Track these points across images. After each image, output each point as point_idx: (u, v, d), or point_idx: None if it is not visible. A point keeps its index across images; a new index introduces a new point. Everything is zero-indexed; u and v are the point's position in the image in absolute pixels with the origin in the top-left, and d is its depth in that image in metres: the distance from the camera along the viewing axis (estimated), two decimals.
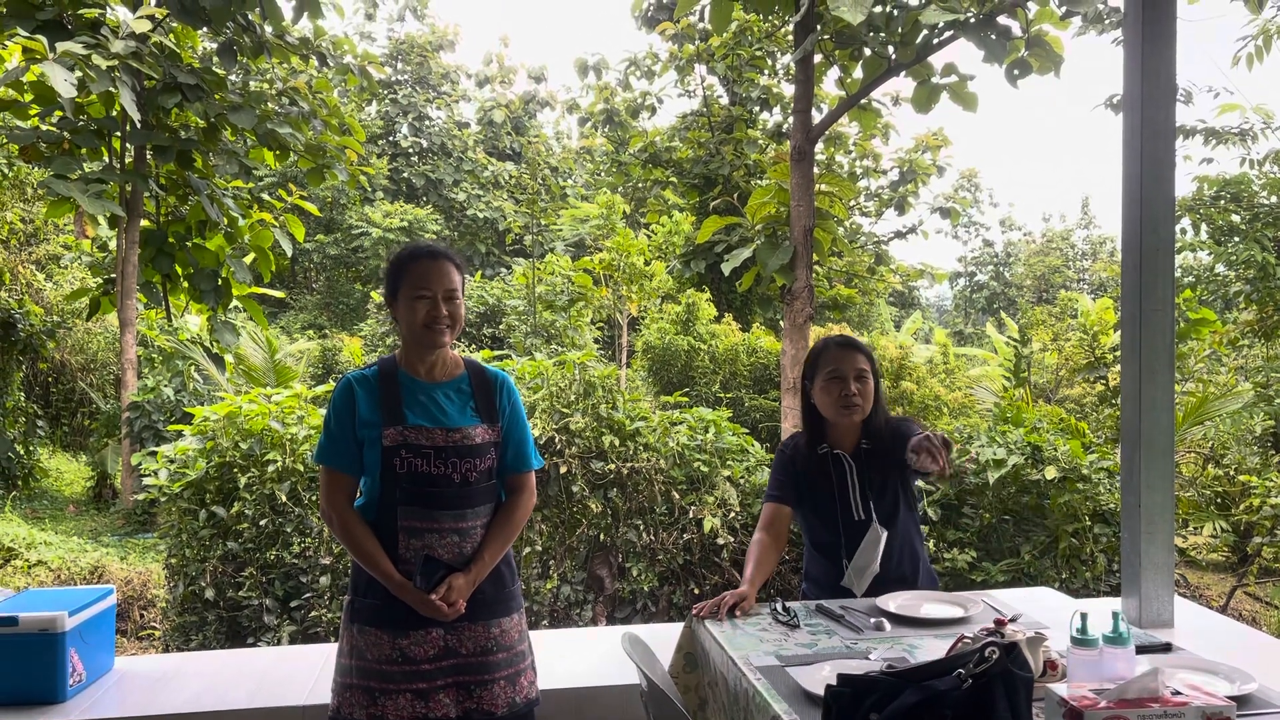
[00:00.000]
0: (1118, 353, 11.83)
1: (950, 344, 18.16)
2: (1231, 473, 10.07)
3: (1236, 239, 7.69)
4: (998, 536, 5.47)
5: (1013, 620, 2.45)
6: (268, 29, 11.30)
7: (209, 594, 5.22)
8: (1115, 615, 1.89)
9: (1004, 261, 37.45)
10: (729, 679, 2.26)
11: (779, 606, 2.60)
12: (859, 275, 17.32)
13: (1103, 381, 11.62)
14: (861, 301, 19.54)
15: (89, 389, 14.85)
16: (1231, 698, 1.84)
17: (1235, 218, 7.27)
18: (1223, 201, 7.34)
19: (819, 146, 16.75)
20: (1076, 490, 5.23)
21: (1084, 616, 1.90)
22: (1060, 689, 1.74)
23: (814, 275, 14.91)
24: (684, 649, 2.65)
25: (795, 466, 3.06)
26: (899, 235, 17.94)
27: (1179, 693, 1.73)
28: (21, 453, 12.08)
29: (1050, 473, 5.17)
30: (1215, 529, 9.78)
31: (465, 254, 28.07)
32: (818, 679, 2.06)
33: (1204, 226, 7.61)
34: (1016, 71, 7.50)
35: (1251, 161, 7.21)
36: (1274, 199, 7.17)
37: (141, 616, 7.12)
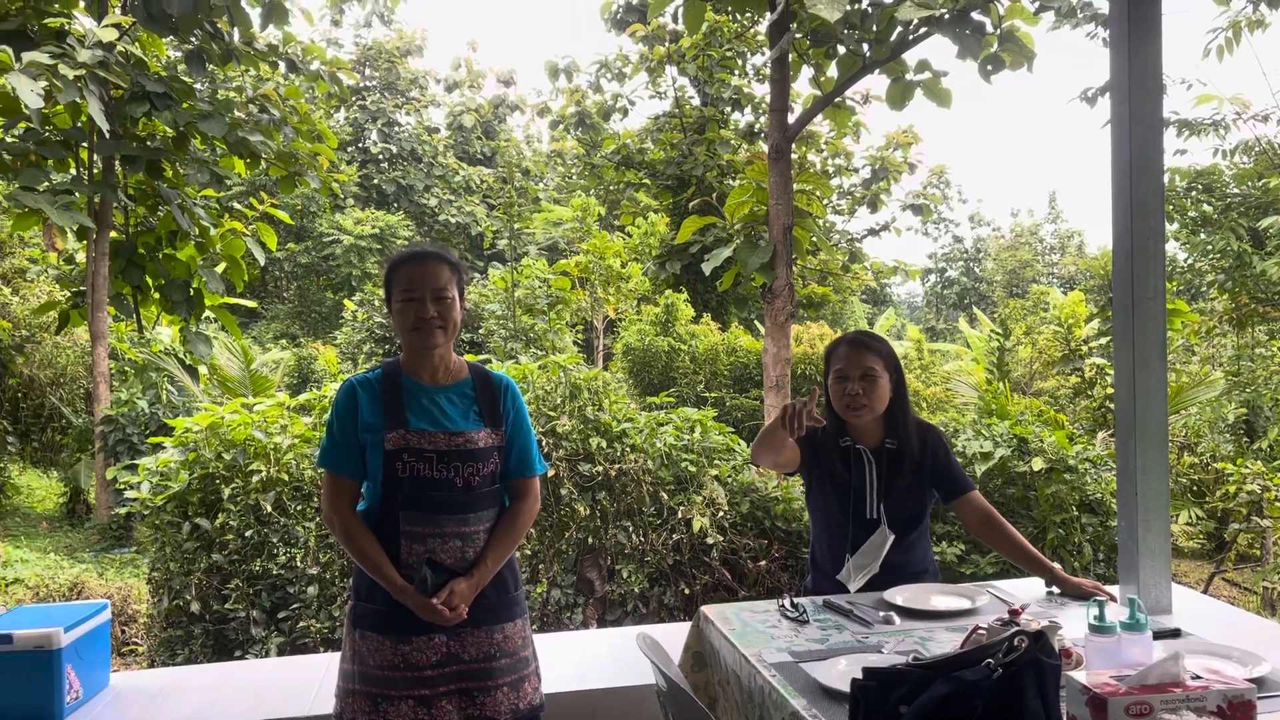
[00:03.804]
0: (1091, 344, 12.00)
1: (924, 340, 18.31)
2: (1206, 460, 10.21)
3: (1204, 231, 7.79)
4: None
5: (1022, 609, 2.46)
6: (236, 36, 11.20)
7: (194, 607, 5.13)
8: (1132, 602, 1.90)
9: (974, 257, 37.79)
10: (742, 677, 2.25)
11: (787, 603, 2.60)
12: (833, 273, 17.41)
13: (1078, 373, 11.75)
14: (836, 299, 19.65)
15: (59, 403, 14.63)
16: (1247, 680, 1.85)
17: (1207, 208, 7.37)
18: (1195, 193, 7.44)
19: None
20: (1063, 481, 5.27)
21: (1101, 604, 1.91)
22: (1081, 676, 1.74)
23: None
24: (692, 648, 2.64)
25: (816, 447, 3.03)
26: (872, 233, 18.07)
27: (1198, 677, 1.74)
28: None
29: (1037, 464, 5.21)
30: (1191, 516, 9.91)
31: None
32: (834, 673, 2.05)
33: (1175, 218, 7.71)
34: (990, 67, 7.57)
35: (1223, 152, 7.31)
36: (1244, 188, 7.28)
37: (124, 632, 7.02)
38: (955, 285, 37.56)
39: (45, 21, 10.11)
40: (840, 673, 2.04)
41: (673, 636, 2.78)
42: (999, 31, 7.43)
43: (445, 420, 2.51)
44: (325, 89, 12.95)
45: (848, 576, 2.82)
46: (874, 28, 7.08)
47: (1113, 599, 2.57)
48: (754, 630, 2.43)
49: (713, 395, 12.77)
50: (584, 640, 3.83)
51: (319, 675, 2.96)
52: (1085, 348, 11.67)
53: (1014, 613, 2.05)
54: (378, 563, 2.43)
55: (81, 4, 10.78)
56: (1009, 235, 37.79)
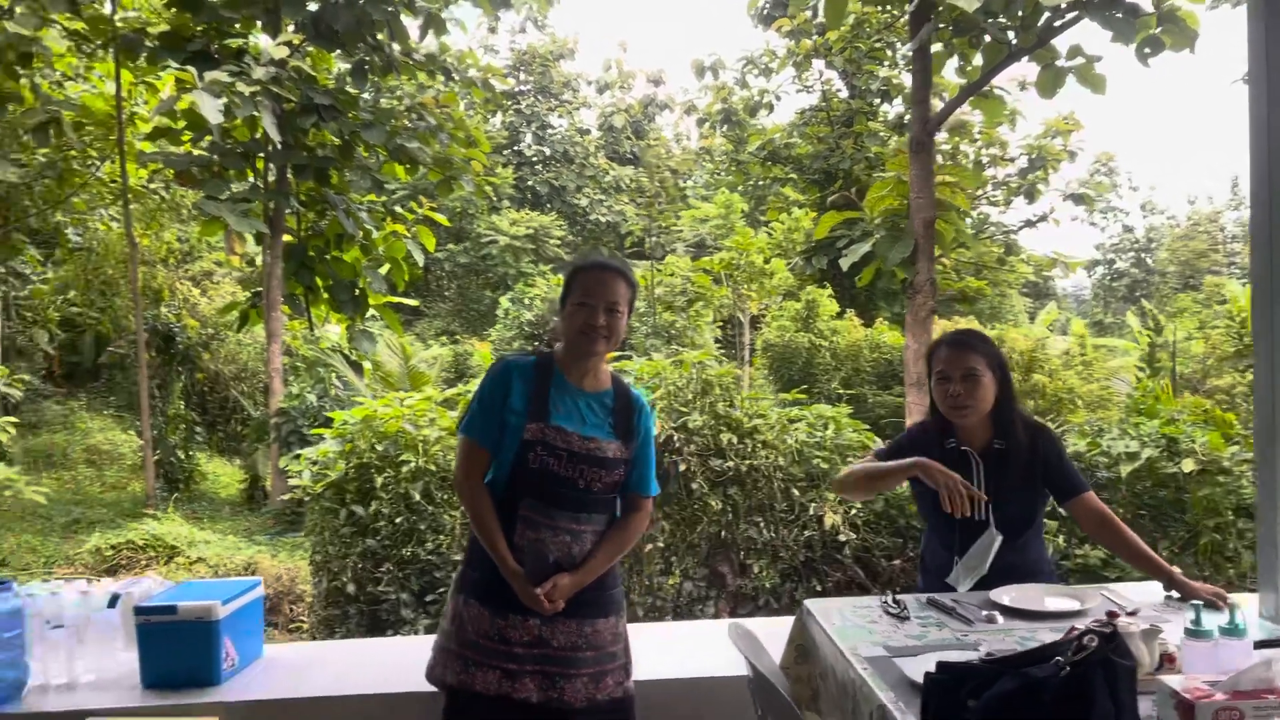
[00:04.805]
0: None
1: (1088, 335, 17.51)
2: None
3: None
4: (1133, 532, 5.28)
5: (1133, 614, 2.40)
6: (396, 48, 11.77)
7: (350, 589, 5.46)
8: (1232, 608, 1.86)
9: (1145, 247, 35.74)
10: (837, 670, 2.29)
11: (889, 599, 2.61)
12: (988, 266, 16.84)
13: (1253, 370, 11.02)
14: (993, 293, 19.02)
15: (241, 397, 15.72)
16: None
17: None
18: None
19: (943, 136, 16.40)
20: (1217, 484, 5.01)
21: (1197, 608, 1.87)
22: (1174, 680, 1.72)
23: (941, 267, 14.58)
24: (795, 641, 2.69)
25: (919, 452, 3.01)
26: (1029, 224, 17.36)
27: None
28: (182, 457, 12.90)
29: (1188, 465, 4.97)
30: None
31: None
32: (924, 669, 2.07)
33: None
34: (1148, 50, 7.23)
35: None
36: None
37: (291, 610, 7.54)
38: (1125, 277, 35.64)
39: (226, 42, 10.88)
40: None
41: (785, 629, 2.83)
42: (1158, 12, 7.08)
43: (582, 424, 2.64)
44: (479, 95, 13.45)
45: (957, 579, 2.80)
46: (1018, 14, 6.87)
47: (1229, 604, 2.47)
48: (854, 625, 2.46)
49: (849, 392, 12.58)
50: (706, 630, 3.90)
51: None
52: None
53: (1112, 614, 2.03)
54: (495, 540, 2.58)
55: (258, 25, 11.54)
56: (1185, 224, 35.57)
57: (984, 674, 1.59)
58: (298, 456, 6.08)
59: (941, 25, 7.61)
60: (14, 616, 2.93)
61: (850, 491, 3.04)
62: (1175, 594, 2.70)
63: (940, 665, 1.67)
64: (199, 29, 10.88)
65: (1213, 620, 1.87)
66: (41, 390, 15.53)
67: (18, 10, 10.18)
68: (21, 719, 2.87)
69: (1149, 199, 39.24)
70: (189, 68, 10.48)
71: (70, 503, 11.40)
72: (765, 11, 16.54)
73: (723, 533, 5.59)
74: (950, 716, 1.60)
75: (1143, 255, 35.63)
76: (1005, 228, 17.57)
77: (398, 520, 5.47)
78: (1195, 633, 1.86)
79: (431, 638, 2.83)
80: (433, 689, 2.78)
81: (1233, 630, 1.83)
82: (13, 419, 10.23)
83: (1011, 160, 16.36)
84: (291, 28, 11.38)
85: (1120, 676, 1.58)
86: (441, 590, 5.41)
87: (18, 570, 8.68)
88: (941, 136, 16.42)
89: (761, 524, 5.57)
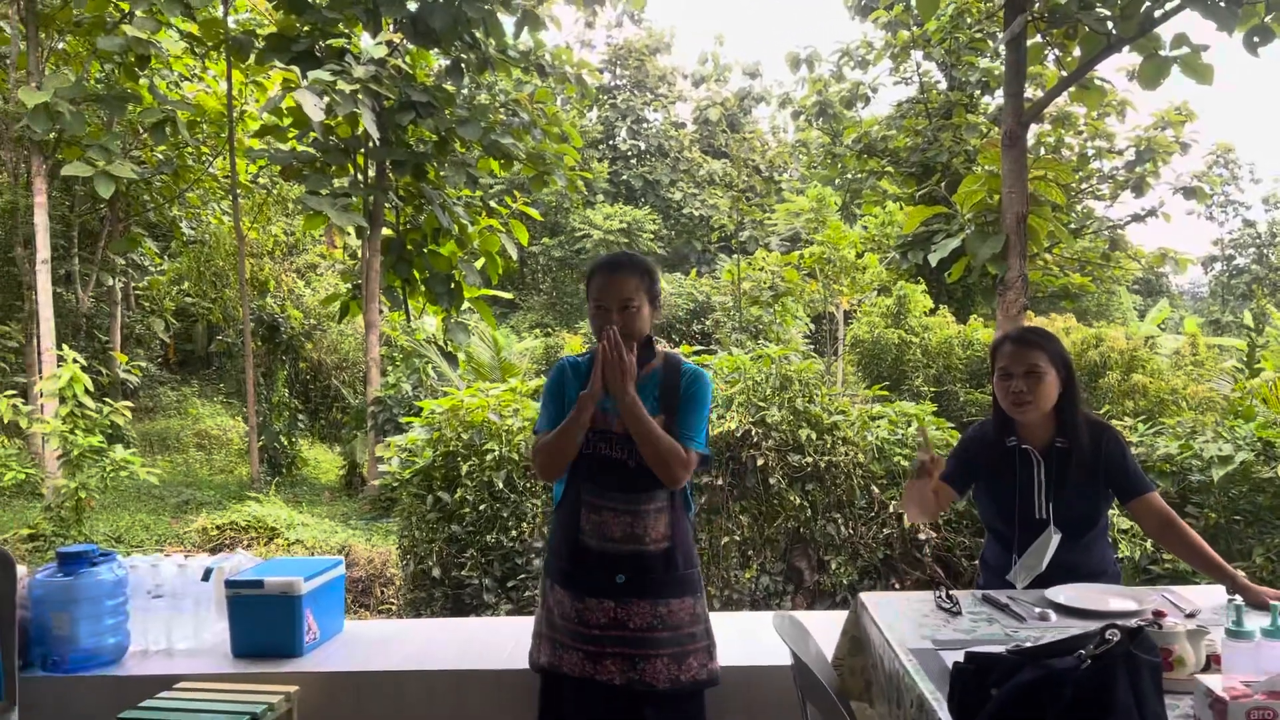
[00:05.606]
0: None
1: (1200, 334, 16.88)
2: None
3: None
4: (1227, 538, 5.11)
5: (1190, 615, 2.37)
6: (491, 45, 11.99)
7: (435, 573, 5.65)
8: (1275, 608, 1.83)
9: (1269, 243, 34.06)
10: (885, 661, 2.32)
11: (943, 594, 2.62)
12: (1092, 262, 16.34)
13: None
14: (1098, 290, 18.44)
15: (341, 386, 16.25)
16: None
17: None
18: None
19: (1046, 128, 15.96)
20: None
21: (1238, 609, 1.85)
22: (1212, 680, 1.71)
23: (1044, 263, 14.17)
24: (849, 633, 2.72)
25: (975, 456, 3.03)
26: (1136, 219, 16.76)
27: None
28: (285, 443, 13.42)
29: None
30: None
31: (682, 251, 28.55)
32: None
33: None
34: (1257, 39, 6.94)
35: None
36: None
37: (382, 593, 7.81)
38: (1245, 274, 34.03)
39: (329, 42, 11.25)
40: None
41: (840, 622, 2.86)
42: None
43: None
44: (572, 91, 13.60)
45: (1015, 576, 2.80)
46: (1118, 3, 6.67)
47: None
48: (904, 618, 2.48)
49: (939, 390, 12.35)
50: (764, 620, 3.93)
51: (517, 635, 3.27)
52: None
53: (1159, 614, 2.01)
54: (566, 427, 2.65)
55: (360, 24, 11.89)
56: None
57: (1008, 664, 1.62)
58: (390, 444, 6.29)
59: (1036, 16, 7.43)
60: (118, 586, 3.15)
61: (910, 516, 3.03)
62: (1239, 598, 2.65)
63: (967, 655, 1.70)
64: (304, 29, 11.27)
65: (1255, 622, 1.85)
66: (158, 377, 16.35)
67: (137, 14, 10.72)
68: (122, 681, 3.08)
69: (1273, 192, 37.30)
70: (294, 67, 10.88)
71: (181, 484, 11.98)
72: (862, 3, 16.34)
73: (801, 528, 5.60)
74: (974, 705, 1.62)
75: (1265, 251, 33.96)
76: (1111, 223, 17.00)
77: (481, 507, 5.62)
78: (1236, 633, 1.84)
79: (504, 619, 2.95)
80: (499, 668, 2.90)
81: (1274, 632, 1.81)
82: (129, 403, 10.79)
83: (1119, 153, 15.83)
84: (391, 27, 11.70)
85: (1143, 671, 1.58)
86: (522, 576, 5.56)
87: (131, 547, 9.18)
88: (1046, 128, 16.00)
89: (840, 520, 5.56)
